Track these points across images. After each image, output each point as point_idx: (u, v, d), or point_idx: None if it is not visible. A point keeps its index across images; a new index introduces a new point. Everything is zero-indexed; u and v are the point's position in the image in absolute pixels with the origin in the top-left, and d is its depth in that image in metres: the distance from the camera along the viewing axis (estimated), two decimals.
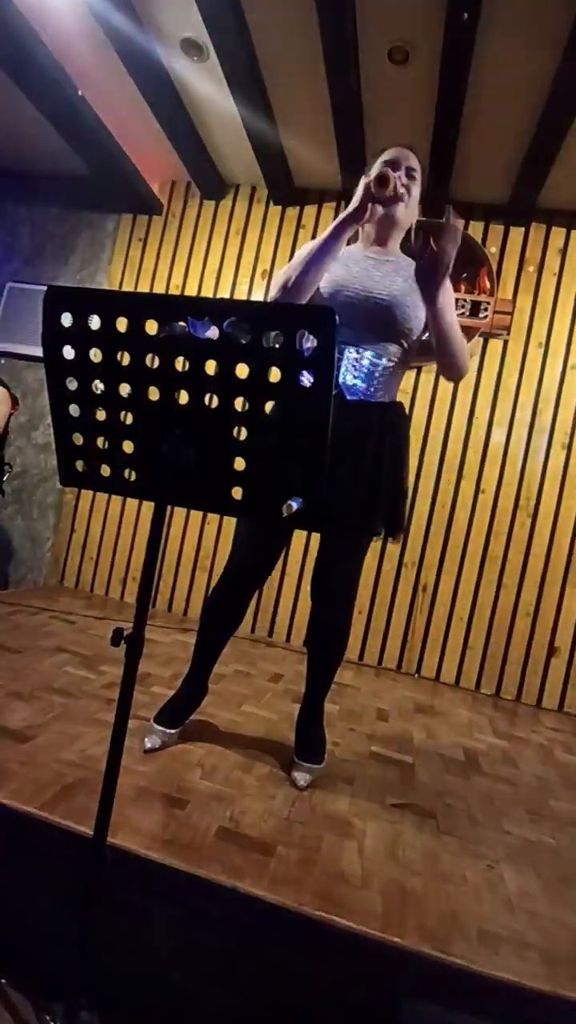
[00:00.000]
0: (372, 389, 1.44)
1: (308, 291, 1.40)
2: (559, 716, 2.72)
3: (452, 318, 1.42)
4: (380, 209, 1.42)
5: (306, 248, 1.41)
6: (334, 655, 1.61)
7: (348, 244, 1.50)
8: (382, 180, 1.31)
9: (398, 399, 1.55)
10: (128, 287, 3.31)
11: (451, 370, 1.49)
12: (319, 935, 1.05)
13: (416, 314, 1.45)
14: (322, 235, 1.38)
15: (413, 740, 2.01)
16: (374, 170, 1.41)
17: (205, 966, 1.10)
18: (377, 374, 1.45)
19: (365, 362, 1.42)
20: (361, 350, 1.42)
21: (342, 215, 1.37)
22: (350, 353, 1.42)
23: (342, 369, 1.42)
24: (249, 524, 1.55)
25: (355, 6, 2.00)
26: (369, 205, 1.35)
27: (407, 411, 3.02)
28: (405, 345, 1.48)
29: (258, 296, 3.14)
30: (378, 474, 1.44)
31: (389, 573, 2.96)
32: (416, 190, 1.48)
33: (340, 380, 1.42)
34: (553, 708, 2.78)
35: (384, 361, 1.45)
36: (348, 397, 1.43)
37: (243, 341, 0.81)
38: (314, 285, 1.40)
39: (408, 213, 1.48)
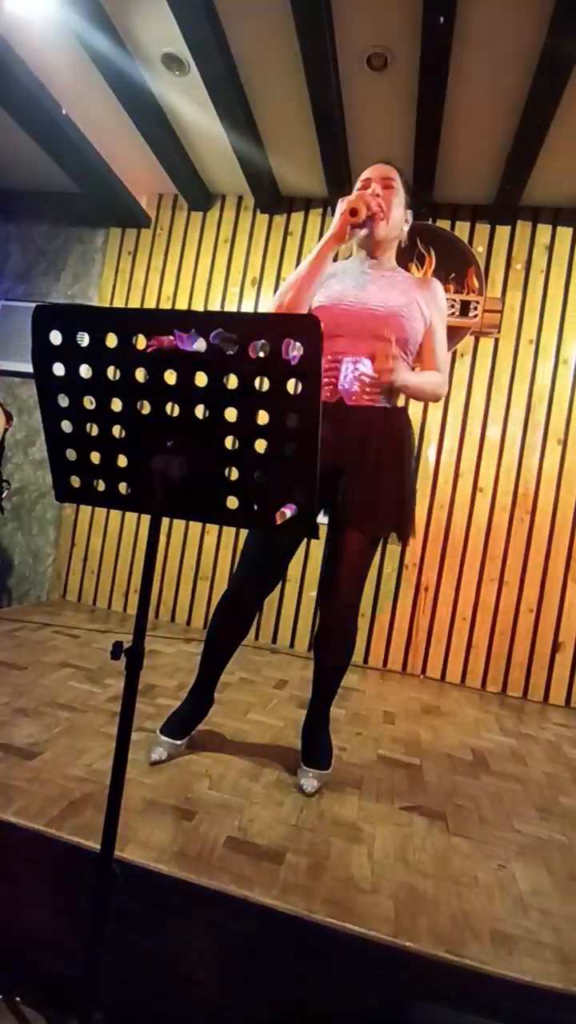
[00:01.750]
0: (372, 395, 1.49)
1: (304, 308, 1.49)
2: (566, 712, 2.71)
3: (415, 383, 1.50)
4: (363, 231, 1.49)
5: (295, 272, 1.49)
6: (342, 659, 1.61)
7: (345, 259, 1.60)
8: (354, 213, 1.39)
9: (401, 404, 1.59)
10: (120, 300, 3.33)
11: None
12: (331, 942, 1.05)
13: (412, 325, 1.50)
14: (308, 258, 1.47)
15: (420, 741, 2.01)
16: (354, 194, 1.48)
17: (217, 977, 1.09)
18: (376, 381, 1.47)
19: (363, 369, 1.47)
20: (359, 358, 1.47)
21: (324, 238, 1.45)
22: (349, 361, 1.47)
23: (342, 377, 1.48)
24: (256, 536, 1.57)
25: (331, 14, 2.02)
26: (349, 227, 1.42)
27: None
28: (405, 354, 1.51)
29: (248, 304, 3.16)
30: (380, 477, 1.47)
31: (390, 575, 2.96)
32: (397, 197, 1.52)
33: (340, 387, 1.48)
34: (560, 704, 2.78)
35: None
36: (348, 403, 1.48)
37: (230, 352, 0.81)
38: (306, 304, 1.49)
39: (393, 224, 1.52)
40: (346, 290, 1.50)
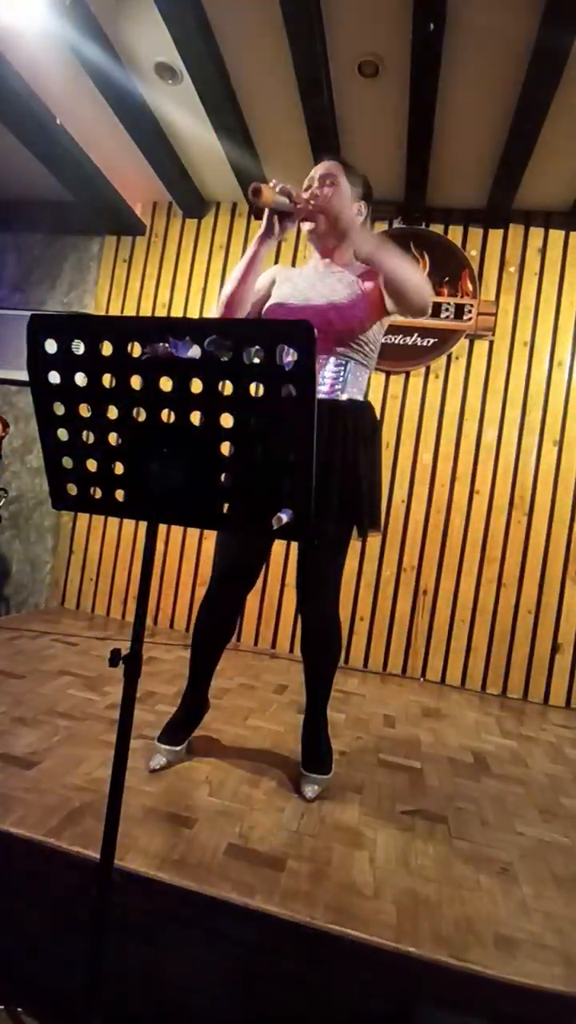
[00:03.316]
0: (328, 390, 1.48)
1: (242, 305, 1.50)
2: (567, 713, 2.71)
3: (390, 263, 1.39)
4: (306, 225, 1.51)
5: (235, 269, 1.51)
6: (329, 657, 1.60)
7: (295, 264, 1.57)
8: (255, 192, 1.35)
9: (376, 401, 1.57)
10: (115, 307, 3.34)
11: (404, 306, 1.43)
12: (333, 949, 1.04)
13: (355, 314, 1.47)
14: (244, 256, 1.49)
15: (421, 745, 2.00)
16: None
17: (219, 985, 1.09)
18: (325, 374, 1.47)
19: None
20: None
21: (257, 235, 1.47)
22: None
23: None
24: (229, 539, 1.57)
25: (323, 22, 2.04)
26: (277, 221, 1.43)
27: (399, 416, 3.03)
28: (355, 346, 1.49)
29: None
30: (344, 473, 1.44)
31: (389, 578, 2.96)
32: (339, 194, 1.51)
33: None
34: (560, 705, 2.77)
35: (332, 362, 1.48)
36: None
37: (224, 359, 0.82)
38: (246, 300, 1.50)
39: (339, 219, 1.51)
40: (294, 291, 1.51)
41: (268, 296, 1.59)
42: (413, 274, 1.42)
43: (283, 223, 1.44)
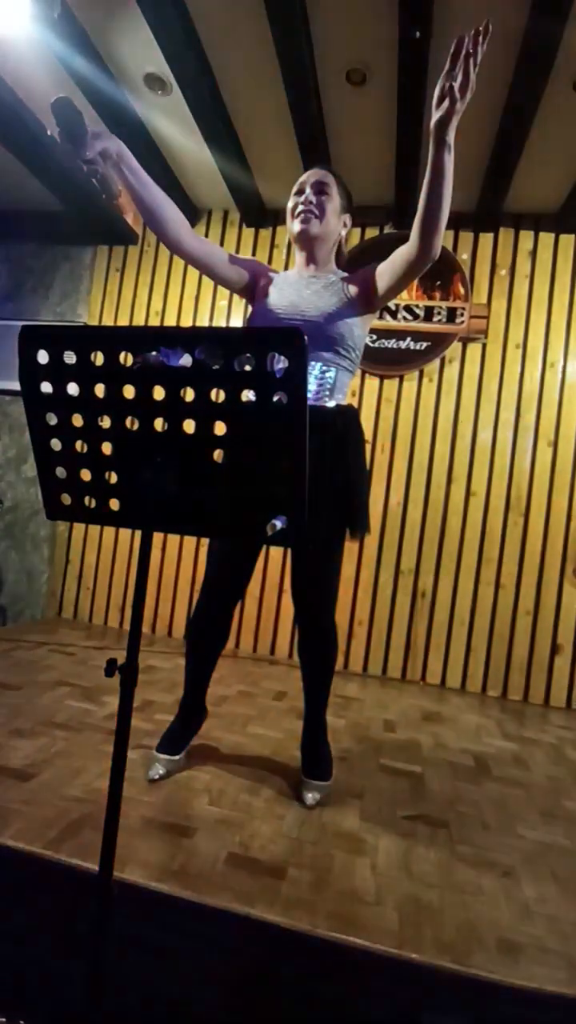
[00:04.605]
0: (309, 394, 1.46)
1: (155, 211, 1.51)
2: (567, 714, 2.70)
3: (448, 177, 1.32)
4: (297, 227, 1.52)
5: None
6: (325, 660, 1.60)
7: (286, 269, 1.61)
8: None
9: (371, 405, 1.57)
10: (109, 317, 3.35)
11: (425, 239, 1.31)
12: (335, 957, 1.04)
13: (344, 321, 1.47)
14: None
15: (421, 749, 2.00)
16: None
17: (221, 996, 1.08)
18: (312, 381, 1.47)
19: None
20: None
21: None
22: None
23: None
24: (218, 546, 1.58)
25: (310, 31, 2.05)
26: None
27: (394, 419, 3.04)
28: (341, 352, 1.49)
29: (237, 317, 3.18)
30: (332, 476, 1.44)
31: (387, 582, 2.96)
32: (332, 203, 1.53)
33: None
34: (561, 706, 2.77)
35: (319, 368, 1.48)
36: None
37: (215, 367, 0.82)
38: (154, 205, 1.51)
39: (327, 225, 1.53)
40: (283, 300, 1.52)
41: (237, 268, 1.57)
42: (447, 207, 1.32)
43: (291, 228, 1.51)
